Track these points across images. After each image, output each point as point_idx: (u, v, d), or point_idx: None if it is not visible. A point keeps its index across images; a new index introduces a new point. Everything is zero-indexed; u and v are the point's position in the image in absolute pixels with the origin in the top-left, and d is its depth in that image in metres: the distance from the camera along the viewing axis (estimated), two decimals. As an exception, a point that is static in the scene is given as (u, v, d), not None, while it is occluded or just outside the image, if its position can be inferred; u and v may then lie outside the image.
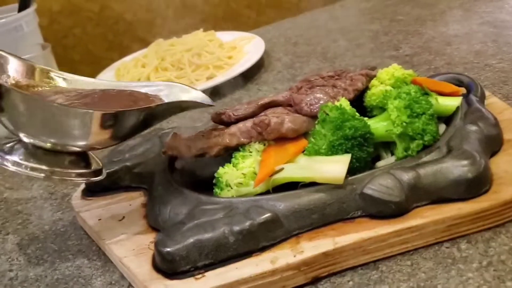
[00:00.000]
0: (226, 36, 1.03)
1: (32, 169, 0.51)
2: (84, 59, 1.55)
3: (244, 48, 0.98)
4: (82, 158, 0.54)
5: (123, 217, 0.57)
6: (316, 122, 0.53)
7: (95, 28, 1.57)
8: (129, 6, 1.54)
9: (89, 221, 0.58)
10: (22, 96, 0.51)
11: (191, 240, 0.47)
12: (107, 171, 0.62)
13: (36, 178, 0.54)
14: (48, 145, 0.51)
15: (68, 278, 0.55)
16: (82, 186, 0.65)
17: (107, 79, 0.98)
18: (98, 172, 0.55)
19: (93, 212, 0.60)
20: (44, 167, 0.51)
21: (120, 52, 1.23)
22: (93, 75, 1.03)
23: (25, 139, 0.51)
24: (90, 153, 0.56)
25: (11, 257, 0.60)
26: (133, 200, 0.60)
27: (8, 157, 0.51)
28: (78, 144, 0.52)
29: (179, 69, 0.91)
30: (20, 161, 0.51)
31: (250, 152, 0.55)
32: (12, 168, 0.51)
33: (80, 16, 1.54)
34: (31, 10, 0.85)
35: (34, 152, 0.52)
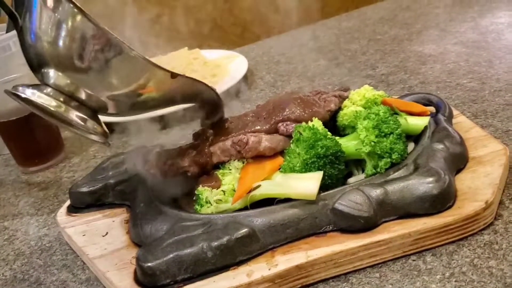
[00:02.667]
0: (211, 54, 1.06)
1: (47, 100, 0.51)
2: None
3: (228, 66, 1.01)
4: (95, 117, 0.54)
5: (107, 232, 0.60)
6: (291, 141, 0.56)
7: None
8: (115, 24, 1.56)
9: (74, 236, 0.60)
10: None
11: (171, 255, 0.49)
12: (90, 189, 0.64)
13: (48, 109, 0.51)
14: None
15: (53, 293, 0.57)
16: (67, 203, 0.67)
17: None
18: (105, 136, 0.55)
19: (77, 228, 0.62)
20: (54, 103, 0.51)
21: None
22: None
23: (51, 79, 0.50)
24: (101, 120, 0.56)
25: (-3, 273, 0.62)
26: (116, 217, 0.62)
27: (29, 89, 0.51)
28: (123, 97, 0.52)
29: None
30: (38, 92, 0.51)
31: (230, 169, 0.57)
32: (30, 96, 0.50)
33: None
34: (19, 30, 0.87)
35: (51, 92, 0.51)
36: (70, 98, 0.52)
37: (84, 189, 0.65)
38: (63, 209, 0.66)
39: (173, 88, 0.54)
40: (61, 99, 0.51)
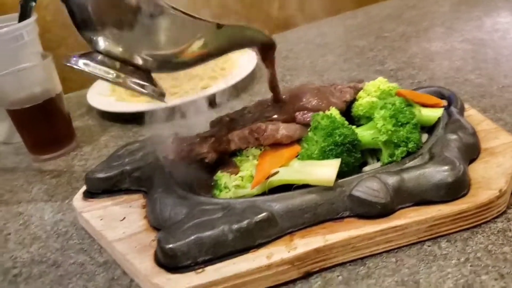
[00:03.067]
0: None
1: (102, 70, 0.51)
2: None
3: (237, 60, 1.02)
4: (149, 78, 0.55)
5: (124, 217, 0.60)
6: (309, 129, 0.57)
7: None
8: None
9: (91, 221, 0.61)
10: None
11: (192, 237, 0.50)
12: (107, 175, 0.65)
13: (105, 78, 0.52)
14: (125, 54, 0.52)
15: (72, 274, 0.57)
16: (83, 188, 0.68)
17: (104, 87, 1.02)
18: (163, 96, 0.56)
19: (94, 213, 0.63)
20: (112, 71, 0.52)
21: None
22: (85, 85, 1.06)
23: (102, 46, 0.51)
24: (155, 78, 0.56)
25: (14, 255, 0.63)
26: (133, 202, 0.63)
27: (81, 59, 0.52)
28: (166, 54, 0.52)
29: (174, 78, 0.94)
30: (91, 63, 0.51)
31: (247, 156, 0.58)
32: (83, 67, 0.51)
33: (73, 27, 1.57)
34: (32, 20, 0.88)
35: (104, 60, 0.52)
36: (124, 63, 0.52)
37: (101, 175, 0.65)
38: (78, 195, 0.67)
39: (222, 38, 0.54)
40: (117, 67, 0.52)
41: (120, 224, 0.59)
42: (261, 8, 1.74)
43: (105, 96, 0.98)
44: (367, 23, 1.18)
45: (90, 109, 0.99)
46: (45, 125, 0.83)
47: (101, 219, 0.61)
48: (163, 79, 0.95)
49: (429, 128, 0.61)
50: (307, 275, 0.50)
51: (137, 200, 0.63)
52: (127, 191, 0.65)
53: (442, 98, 0.67)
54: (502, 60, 0.87)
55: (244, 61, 1.01)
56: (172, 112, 0.78)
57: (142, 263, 0.52)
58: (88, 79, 1.07)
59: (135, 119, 0.89)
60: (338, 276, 0.50)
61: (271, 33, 1.27)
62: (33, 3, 0.89)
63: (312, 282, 0.50)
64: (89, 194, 0.66)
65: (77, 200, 0.66)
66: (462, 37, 0.99)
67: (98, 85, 1.03)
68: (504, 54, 0.89)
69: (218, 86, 0.92)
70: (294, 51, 1.12)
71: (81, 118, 0.98)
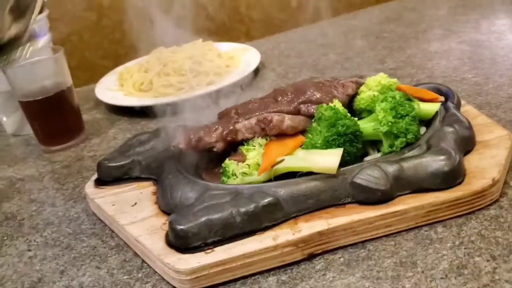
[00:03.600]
0: (223, 47, 1.10)
1: None
2: (81, 64, 1.60)
3: (241, 58, 1.05)
4: None
5: (135, 203, 0.63)
6: (313, 120, 0.60)
7: (92, 36, 1.63)
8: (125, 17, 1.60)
9: (103, 206, 0.64)
10: None
11: (202, 219, 0.53)
12: (118, 163, 0.68)
13: None
14: None
15: (85, 257, 0.60)
16: (94, 176, 0.71)
17: (111, 82, 1.04)
18: None
19: (106, 199, 0.65)
20: None
21: (115, 60, 1.28)
22: (92, 80, 1.09)
23: None
24: None
25: (28, 239, 0.65)
26: (144, 189, 0.66)
27: None
28: None
29: (180, 75, 0.97)
30: None
31: (254, 146, 0.61)
32: None
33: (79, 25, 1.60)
34: (44, 15, 0.91)
35: None
36: None
37: (112, 163, 0.68)
38: (90, 182, 0.70)
39: None
40: None
41: (131, 209, 0.62)
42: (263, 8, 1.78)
43: (113, 91, 1.01)
44: (367, 24, 1.21)
45: (98, 103, 1.02)
46: (56, 116, 0.86)
47: (113, 205, 0.64)
48: (170, 75, 0.98)
49: (427, 122, 0.64)
50: (311, 257, 0.53)
51: (147, 187, 0.66)
52: (138, 179, 0.68)
53: (440, 94, 0.70)
54: (498, 60, 0.90)
55: (247, 59, 1.04)
56: (179, 106, 0.81)
57: (154, 244, 0.55)
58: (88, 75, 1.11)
59: (143, 112, 0.91)
60: (340, 258, 0.53)
61: (273, 32, 1.30)
62: (45, -1, 0.92)
63: (315, 263, 0.53)
64: (101, 182, 0.69)
65: (89, 187, 0.69)
66: (459, 39, 1.02)
67: (107, 80, 1.06)
68: (500, 55, 0.92)
69: (223, 82, 0.95)
70: (296, 49, 1.15)
71: (89, 111, 1.01)
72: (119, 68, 1.09)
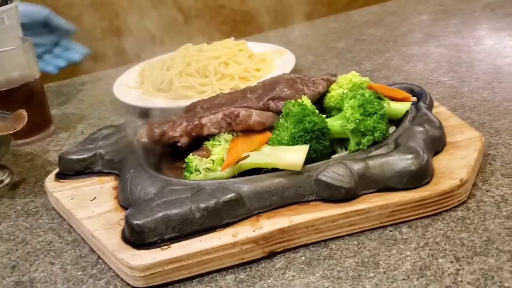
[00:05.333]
0: (257, 47, 1.00)
1: None
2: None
3: (274, 61, 0.95)
4: None
5: (95, 197, 0.61)
6: (280, 116, 0.58)
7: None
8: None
9: (62, 200, 0.62)
10: None
11: (159, 214, 0.51)
12: (80, 156, 0.66)
13: None
14: None
15: (39, 252, 0.58)
16: (56, 170, 0.68)
17: (132, 78, 0.97)
18: None
19: (66, 193, 0.63)
20: None
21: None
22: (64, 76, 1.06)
23: None
24: None
25: (-18, 233, 0.63)
26: (105, 183, 0.64)
27: None
28: None
29: (204, 76, 0.88)
30: None
31: (219, 141, 0.59)
32: None
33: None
34: (13, 5, 0.88)
35: None
36: None
37: (74, 156, 0.66)
38: (51, 176, 0.67)
39: None
40: None
41: (90, 204, 0.60)
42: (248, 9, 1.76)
43: (132, 88, 0.94)
44: (347, 27, 1.20)
45: (69, 98, 1.00)
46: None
47: (71, 199, 0.61)
48: (193, 76, 0.89)
49: (397, 122, 0.62)
50: (271, 255, 0.51)
51: (109, 182, 0.64)
52: (100, 173, 0.66)
53: (412, 94, 0.69)
54: (475, 64, 0.89)
55: (281, 62, 0.95)
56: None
57: (109, 240, 0.53)
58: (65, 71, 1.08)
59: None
60: (301, 256, 0.51)
61: (254, 33, 1.29)
62: (15, -11, 0.89)
63: (275, 262, 0.51)
64: (62, 176, 0.67)
65: (49, 180, 0.66)
66: (438, 42, 1.01)
67: (127, 73, 0.99)
68: (477, 59, 0.91)
69: None
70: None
71: (59, 106, 0.98)
72: (143, 63, 0.99)
